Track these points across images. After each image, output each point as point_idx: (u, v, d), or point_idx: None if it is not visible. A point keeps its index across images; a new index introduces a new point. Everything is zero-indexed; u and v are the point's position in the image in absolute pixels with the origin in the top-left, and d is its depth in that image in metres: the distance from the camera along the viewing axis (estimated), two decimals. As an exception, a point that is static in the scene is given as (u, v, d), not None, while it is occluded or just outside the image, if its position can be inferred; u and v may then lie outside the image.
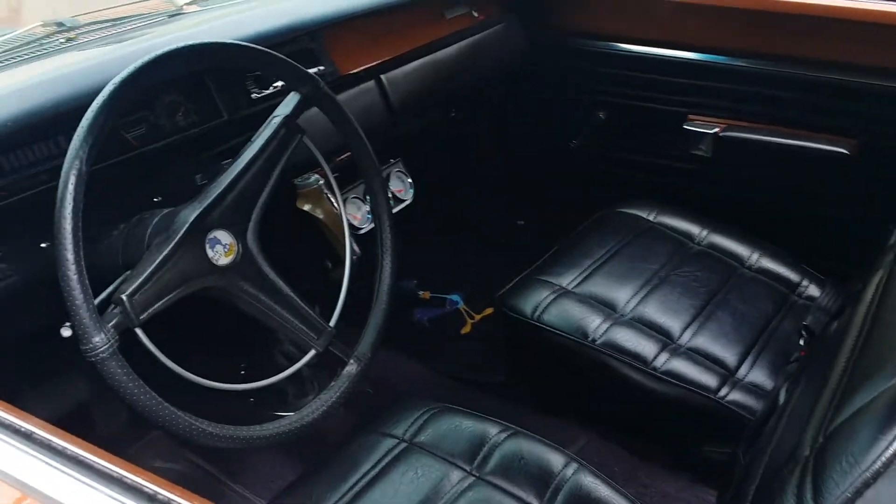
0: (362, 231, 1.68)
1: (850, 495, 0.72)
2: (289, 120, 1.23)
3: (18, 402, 0.80)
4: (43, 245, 1.16)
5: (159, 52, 1.07)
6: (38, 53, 1.44)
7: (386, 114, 1.77)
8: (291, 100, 1.25)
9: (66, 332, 1.00)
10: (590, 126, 2.22)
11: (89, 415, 1.58)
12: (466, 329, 2.24)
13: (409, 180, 1.81)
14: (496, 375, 1.93)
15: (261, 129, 1.23)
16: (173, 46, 1.09)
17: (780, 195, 2.02)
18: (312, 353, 1.24)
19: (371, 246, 1.45)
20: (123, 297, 0.99)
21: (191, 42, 1.12)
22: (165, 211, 1.19)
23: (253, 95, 1.48)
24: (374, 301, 1.35)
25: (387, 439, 1.31)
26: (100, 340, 0.95)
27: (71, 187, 0.95)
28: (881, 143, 1.79)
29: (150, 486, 0.66)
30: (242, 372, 1.77)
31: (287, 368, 1.67)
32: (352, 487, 1.23)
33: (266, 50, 1.22)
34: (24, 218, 1.14)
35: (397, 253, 1.38)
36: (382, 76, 1.72)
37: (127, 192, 1.32)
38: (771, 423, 1.29)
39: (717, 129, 1.98)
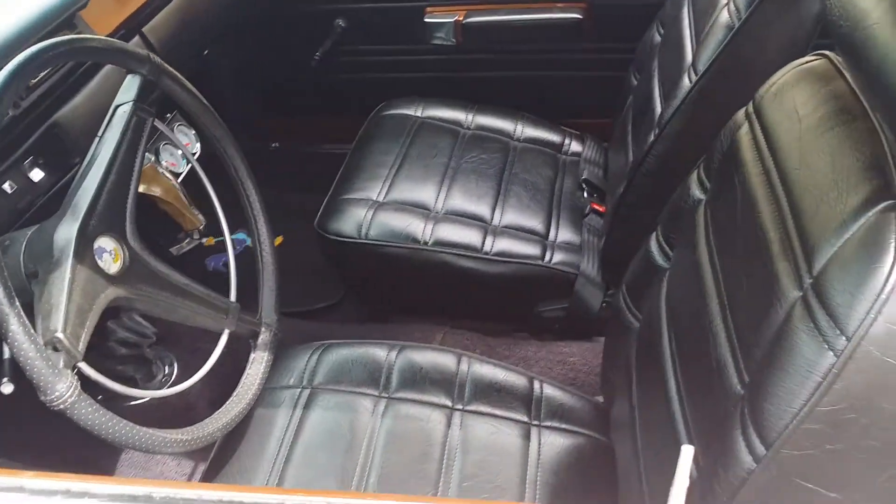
0: (181, 174, 1.61)
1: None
2: (137, 105, 1.16)
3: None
4: None
5: None
6: None
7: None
8: (132, 83, 1.17)
9: (6, 388, 0.90)
10: (331, 37, 2.22)
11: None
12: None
13: (193, 131, 1.73)
14: (332, 298, 1.97)
15: (107, 122, 1.15)
16: None
17: (528, 67, 2.19)
18: (227, 333, 1.23)
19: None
20: (59, 335, 0.93)
21: None
22: (30, 231, 1.08)
23: None
24: (261, 263, 1.35)
25: (288, 391, 1.33)
26: (64, 387, 0.89)
27: None
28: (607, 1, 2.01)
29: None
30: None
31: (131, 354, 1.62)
32: (279, 447, 1.25)
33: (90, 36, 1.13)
34: None
35: (268, 211, 1.37)
36: (144, 29, 1.60)
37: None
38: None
39: (457, 17, 2.08)
